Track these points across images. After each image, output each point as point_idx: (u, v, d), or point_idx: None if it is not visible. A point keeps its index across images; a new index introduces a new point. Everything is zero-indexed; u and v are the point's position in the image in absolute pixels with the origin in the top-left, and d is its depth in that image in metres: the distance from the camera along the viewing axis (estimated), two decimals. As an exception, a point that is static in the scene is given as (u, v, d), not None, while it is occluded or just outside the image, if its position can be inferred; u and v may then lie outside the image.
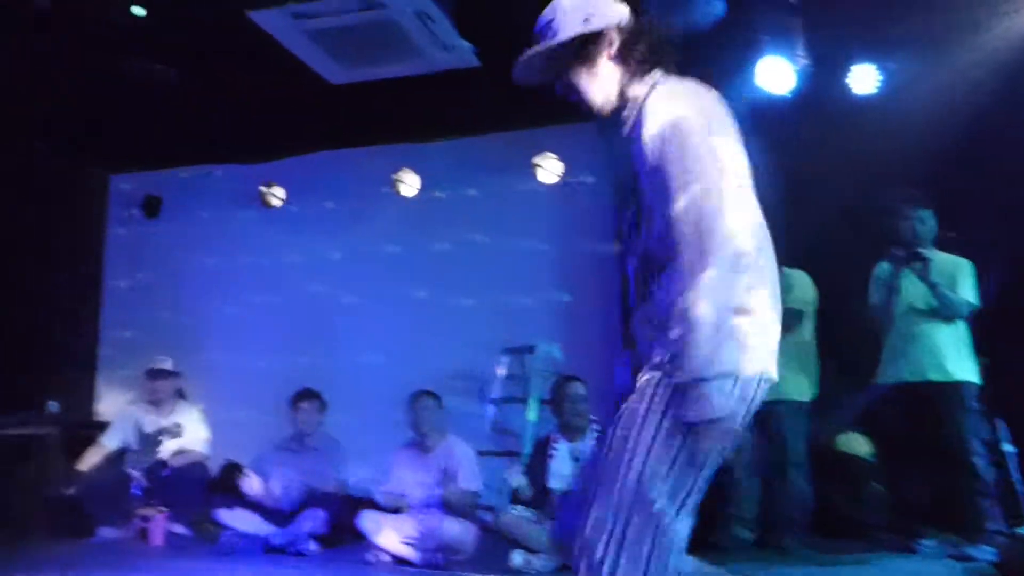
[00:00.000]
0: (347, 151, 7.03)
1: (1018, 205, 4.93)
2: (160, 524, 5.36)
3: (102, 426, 6.11)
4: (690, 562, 1.73)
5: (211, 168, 7.47)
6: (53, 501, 5.31)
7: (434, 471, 4.88)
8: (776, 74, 5.26)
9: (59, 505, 5.31)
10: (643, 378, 1.72)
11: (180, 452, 5.64)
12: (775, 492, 4.68)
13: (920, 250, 4.58)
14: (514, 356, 6.19)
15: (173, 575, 4.41)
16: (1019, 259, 4.91)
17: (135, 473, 5.58)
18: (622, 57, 1.83)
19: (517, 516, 4.46)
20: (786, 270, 4.73)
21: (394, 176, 6.87)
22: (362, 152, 7.00)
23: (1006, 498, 4.59)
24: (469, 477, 4.84)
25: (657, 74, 1.86)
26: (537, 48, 1.84)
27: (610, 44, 1.82)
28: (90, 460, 5.61)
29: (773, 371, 1.69)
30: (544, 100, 6.23)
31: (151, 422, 5.78)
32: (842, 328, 4.87)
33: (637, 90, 1.85)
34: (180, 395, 5.97)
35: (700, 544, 1.78)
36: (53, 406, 5.61)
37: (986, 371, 4.56)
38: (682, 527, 1.66)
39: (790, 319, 4.13)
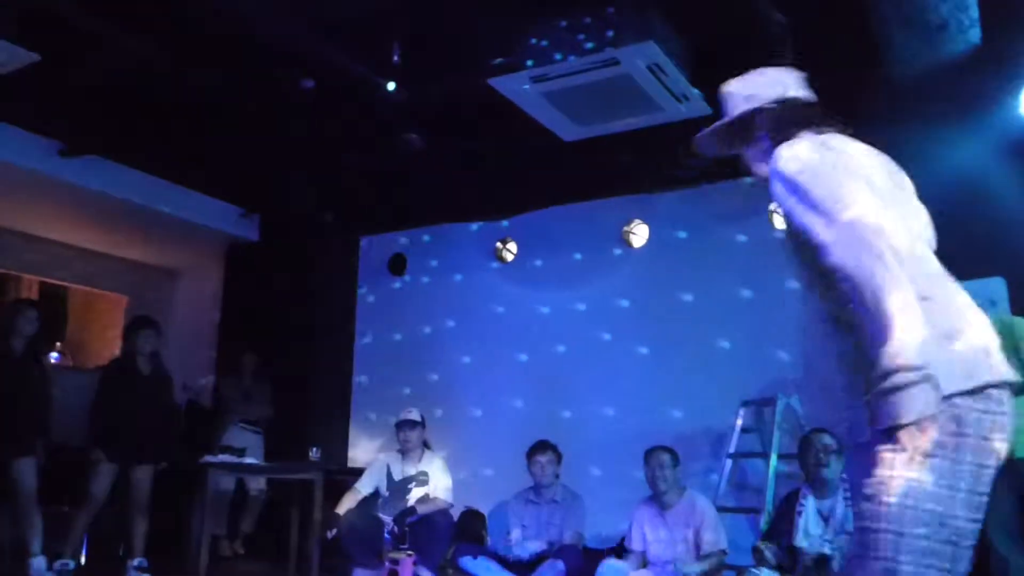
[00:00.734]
0: (577, 205, 7.19)
1: None
2: (408, 567, 5.59)
3: (355, 472, 6.51)
4: None
5: (451, 227, 7.87)
6: (317, 541, 5.71)
7: (674, 527, 4.77)
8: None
9: (322, 545, 5.70)
10: None
11: (426, 499, 5.87)
12: None
13: None
14: (753, 408, 5.98)
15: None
16: None
17: (386, 518, 5.88)
18: (778, 128, 1.95)
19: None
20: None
21: (625, 228, 6.90)
22: (593, 205, 7.12)
23: None
24: (714, 534, 4.69)
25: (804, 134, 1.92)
26: (707, 130, 2.08)
27: (770, 118, 1.97)
28: (347, 504, 5.96)
29: None
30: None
31: (400, 470, 6.07)
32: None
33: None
34: (426, 445, 6.23)
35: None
36: (315, 453, 6.03)
37: None
38: None
39: None
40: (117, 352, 6.28)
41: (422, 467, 6.04)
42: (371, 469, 6.19)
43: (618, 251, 6.96)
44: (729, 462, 5.91)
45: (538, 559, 5.27)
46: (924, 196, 5.35)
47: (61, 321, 9.63)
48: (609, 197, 7.02)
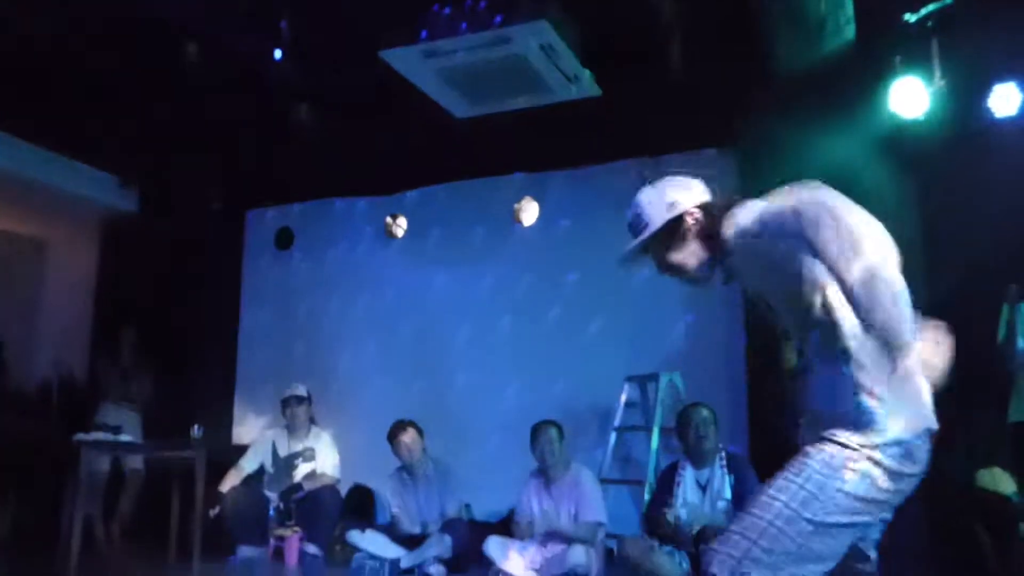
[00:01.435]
0: (469, 182, 7.22)
1: None
2: (295, 544, 5.55)
3: (241, 450, 6.38)
4: None
5: (340, 201, 7.77)
6: (199, 520, 5.57)
7: (559, 500, 4.90)
8: (911, 97, 5.10)
9: (203, 524, 5.57)
10: None
11: (313, 475, 5.83)
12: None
13: None
14: (637, 384, 6.17)
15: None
16: None
17: (271, 495, 5.80)
18: (706, 227, 2.08)
19: (644, 545, 4.42)
20: None
21: (515, 206, 6.96)
22: (483, 182, 7.16)
23: None
24: (594, 507, 4.84)
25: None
26: (636, 241, 2.14)
27: (696, 221, 2.08)
28: (230, 482, 5.85)
29: None
30: (665, 127, 6.29)
31: (286, 446, 6.00)
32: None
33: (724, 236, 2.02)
34: (312, 421, 6.17)
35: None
36: (197, 431, 5.86)
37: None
38: None
39: None
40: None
41: (309, 443, 5.98)
42: (256, 446, 6.10)
43: (509, 228, 7.02)
44: (614, 436, 6.10)
45: (425, 533, 5.31)
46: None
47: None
48: (500, 175, 7.08)
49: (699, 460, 4.62)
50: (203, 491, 5.66)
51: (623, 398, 6.11)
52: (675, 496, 4.56)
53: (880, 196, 5.35)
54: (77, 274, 8.24)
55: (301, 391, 6.06)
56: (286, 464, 5.90)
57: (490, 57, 5.13)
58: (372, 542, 5.29)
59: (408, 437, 5.54)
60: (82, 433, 5.57)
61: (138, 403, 6.86)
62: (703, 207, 2.09)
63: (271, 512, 5.73)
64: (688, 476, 4.61)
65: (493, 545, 4.77)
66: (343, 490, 6.06)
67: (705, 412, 4.65)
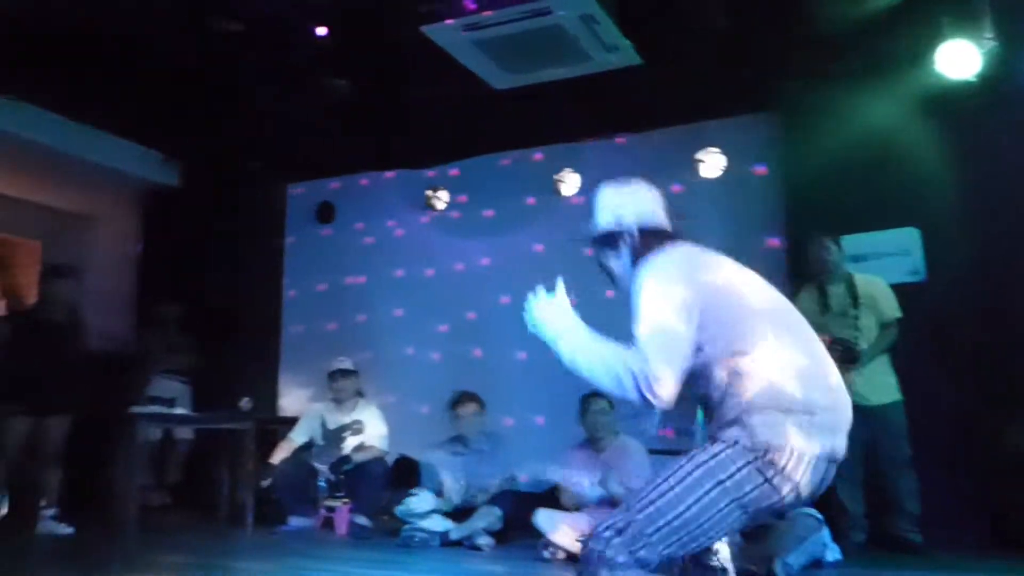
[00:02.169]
0: (509, 153, 7.19)
1: None
2: (344, 515, 5.66)
3: (287, 421, 6.50)
4: None
5: (380, 175, 7.78)
6: (249, 491, 5.69)
7: (608, 470, 4.93)
8: (960, 58, 4.97)
9: (255, 495, 5.69)
10: None
11: (361, 447, 5.91)
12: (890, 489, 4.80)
13: None
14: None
15: (359, 564, 4.64)
16: None
17: (320, 467, 5.91)
18: (638, 248, 2.32)
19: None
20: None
21: (556, 177, 6.92)
22: (523, 153, 7.12)
23: None
24: (643, 476, 4.85)
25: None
26: (580, 237, 2.49)
27: (630, 239, 2.34)
28: (281, 454, 5.97)
29: None
30: (705, 94, 6.20)
31: (334, 419, 6.09)
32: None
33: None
34: (359, 393, 6.25)
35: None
36: (246, 403, 5.96)
37: None
38: None
39: None
40: (32, 300, 6.07)
41: (356, 416, 6.08)
42: (305, 418, 6.20)
43: (550, 199, 6.96)
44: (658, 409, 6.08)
45: (474, 505, 5.35)
46: (844, 148, 5.47)
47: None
48: (540, 146, 7.04)
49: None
50: (253, 462, 5.79)
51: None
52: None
53: (926, 159, 5.28)
54: (122, 249, 8.37)
55: (348, 364, 6.14)
56: (335, 436, 6.00)
57: (529, 28, 5.10)
58: (422, 504, 5.31)
59: (471, 409, 5.60)
60: (136, 406, 5.67)
61: (187, 375, 6.99)
62: (642, 230, 2.32)
63: (321, 483, 5.85)
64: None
65: (543, 517, 4.80)
66: (390, 462, 6.16)
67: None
